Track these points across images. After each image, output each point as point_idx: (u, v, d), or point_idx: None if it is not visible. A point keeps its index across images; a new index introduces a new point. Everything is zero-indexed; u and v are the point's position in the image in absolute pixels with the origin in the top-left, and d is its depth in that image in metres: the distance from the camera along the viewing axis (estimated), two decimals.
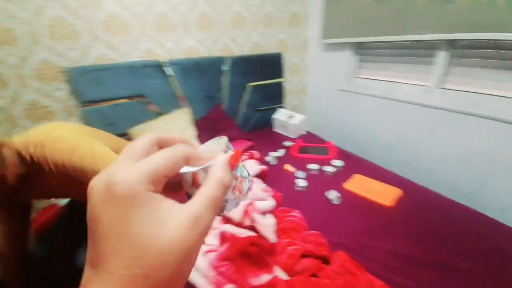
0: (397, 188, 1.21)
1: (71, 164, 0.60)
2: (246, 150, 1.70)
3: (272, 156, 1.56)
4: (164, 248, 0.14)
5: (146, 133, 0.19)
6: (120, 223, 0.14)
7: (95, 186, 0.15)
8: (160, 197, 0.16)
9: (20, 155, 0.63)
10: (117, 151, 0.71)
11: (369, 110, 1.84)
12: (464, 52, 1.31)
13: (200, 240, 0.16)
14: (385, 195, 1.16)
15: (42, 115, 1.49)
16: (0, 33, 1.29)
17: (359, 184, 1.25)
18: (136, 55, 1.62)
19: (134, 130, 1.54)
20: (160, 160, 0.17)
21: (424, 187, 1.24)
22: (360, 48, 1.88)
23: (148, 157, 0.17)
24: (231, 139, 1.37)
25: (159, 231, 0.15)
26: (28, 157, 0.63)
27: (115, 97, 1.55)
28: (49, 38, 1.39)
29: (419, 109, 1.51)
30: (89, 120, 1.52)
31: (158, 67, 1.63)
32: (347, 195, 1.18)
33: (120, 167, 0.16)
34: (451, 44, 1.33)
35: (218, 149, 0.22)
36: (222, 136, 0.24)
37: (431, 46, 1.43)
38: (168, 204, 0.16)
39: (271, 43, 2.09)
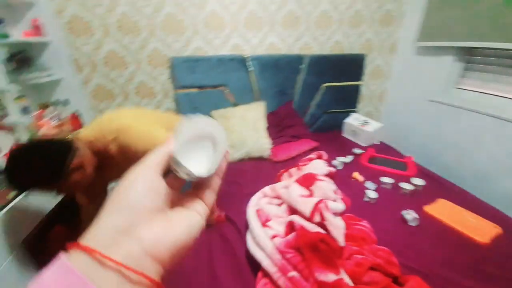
0: (495, 225, 1.00)
1: (144, 149, 0.70)
2: (311, 149, 1.68)
3: (339, 161, 1.50)
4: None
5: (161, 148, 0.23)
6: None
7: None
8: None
9: (91, 146, 0.77)
10: (169, 128, 0.82)
11: (468, 128, 1.55)
12: None
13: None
14: (478, 229, 0.98)
15: (146, 93, 1.82)
16: (129, 24, 1.62)
17: (444, 210, 1.08)
18: (225, 49, 1.79)
19: (215, 113, 1.73)
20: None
21: None
22: (468, 55, 1.59)
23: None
24: (296, 136, 1.38)
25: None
26: (102, 147, 0.77)
27: (203, 85, 1.76)
28: (161, 31, 1.67)
29: None
30: (179, 103, 1.78)
31: (241, 61, 1.76)
32: (427, 220, 1.04)
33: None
34: None
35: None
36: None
37: None
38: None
39: (354, 43, 1.98)
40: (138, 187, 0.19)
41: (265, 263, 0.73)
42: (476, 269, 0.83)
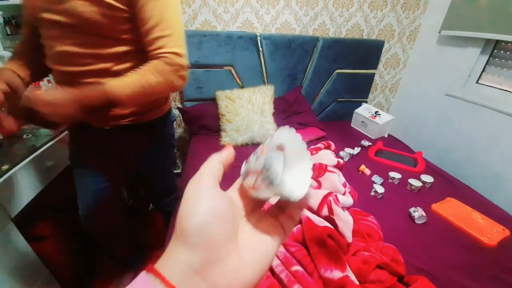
0: (503, 227, 0.97)
1: None
2: (317, 139, 1.63)
3: (347, 152, 1.45)
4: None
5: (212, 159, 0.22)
6: None
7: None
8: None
9: None
10: None
11: (483, 127, 1.49)
12: None
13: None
14: (486, 231, 0.95)
15: None
16: None
17: (452, 210, 1.05)
18: (235, 26, 1.67)
19: (221, 93, 1.64)
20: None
21: None
22: (494, 49, 1.48)
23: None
24: (303, 124, 1.31)
25: None
26: None
27: (209, 63, 1.66)
28: None
29: None
30: None
31: (252, 39, 1.65)
32: (435, 218, 1.01)
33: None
34: None
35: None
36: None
37: None
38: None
39: (374, 28, 1.85)
40: (203, 214, 0.17)
41: None
42: (482, 272, 0.81)
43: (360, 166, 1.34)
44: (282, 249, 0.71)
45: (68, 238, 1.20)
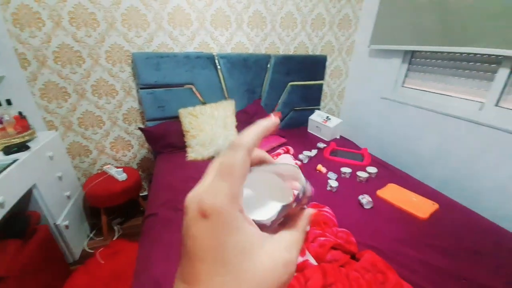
0: (433, 202, 1.18)
1: None
2: (279, 145, 1.76)
3: (305, 155, 1.60)
4: (260, 282, 0.15)
5: (239, 146, 0.17)
6: (215, 247, 0.15)
7: (190, 203, 0.16)
8: (246, 218, 0.16)
9: None
10: None
11: (412, 122, 1.78)
12: None
13: (288, 281, 0.16)
14: (420, 207, 1.14)
15: (105, 92, 1.70)
16: (84, 16, 1.49)
17: (393, 193, 1.24)
18: (192, 47, 1.77)
19: (183, 111, 1.69)
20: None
21: (465, 206, 1.19)
22: (411, 57, 1.82)
23: (235, 177, 0.16)
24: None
25: (256, 264, 0.15)
26: None
27: (169, 83, 1.71)
28: (122, 25, 1.58)
29: (470, 126, 1.43)
30: (143, 101, 1.70)
31: (209, 59, 1.76)
32: (380, 202, 1.18)
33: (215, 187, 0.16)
34: None
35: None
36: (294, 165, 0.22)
37: (493, 61, 1.34)
38: (255, 230, 0.16)
39: (316, 45, 2.12)
40: (264, 263, 0.15)
41: None
42: (420, 241, 0.98)
43: (317, 166, 1.49)
44: None
45: None
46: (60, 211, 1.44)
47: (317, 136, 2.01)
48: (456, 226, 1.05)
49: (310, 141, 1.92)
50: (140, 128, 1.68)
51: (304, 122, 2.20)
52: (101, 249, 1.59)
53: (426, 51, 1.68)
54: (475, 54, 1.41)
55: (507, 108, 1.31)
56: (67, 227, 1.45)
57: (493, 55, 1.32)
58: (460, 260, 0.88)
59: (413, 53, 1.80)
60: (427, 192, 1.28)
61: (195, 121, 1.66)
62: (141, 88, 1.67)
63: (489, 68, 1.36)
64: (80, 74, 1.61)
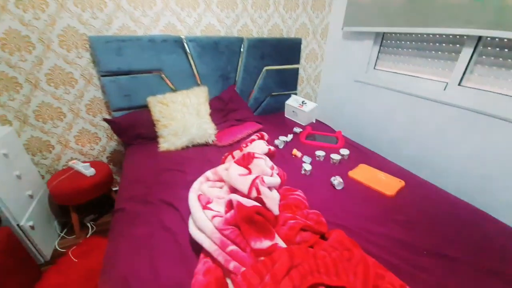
0: (400, 180, 1.23)
1: None
2: (256, 132, 1.74)
3: (281, 140, 1.59)
4: None
5: None
6: None
7: None
8: None
9: None
10: None
11: (384, 104, 1.83)
12: (491, 50, 1.27)
13: None
14: (387, 185, 1.19)
15: (63, 81, 1.56)
16: None
17: (363, 173, 1.28)
18: (157, 29, 1.64)
19: (153, 99, 1.60)
20: None
21: (428, 181, 1.26)
22: (382, 39, 1.83)
23: None
24: (240, 120, 1.44)
25: None
26: None
27: (134, 69, 1.59)
28: (74, 5, 1.42)
29: (435, 106, 1.49)
30: (107, 90, 1.58)
31: (178, 42, 1.65)
32: (350, 182, 1.22)
33: None
34: (479, 41, 1.29)
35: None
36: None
37: (457, 42, 1.38)
38: None
39: (291, 27, 2.06)
40: None
41: (206, 243, 0.75)
42: (386, 217, 1.02)
43: (293, 151, 1.49)
44: (218, 234, 0.76)
45: None
46: (23, 211, 1.34)
47: (294, 121, 2.01)
48: (420, 201, 1.11)
49: (286, 126, 1.91)
50: (105, 119, 1.57)
51: (281, 108, 2.19)
52: (74, 247, 1.52)
53: (395, 33, 1.70)
54: (441, 34, 1.44)
55: (469, 87, 1.37)
56: (32, 227, 1.36)
57: (457, 35, 1.35)
58: (422, 232, 0.94)
59: (383, 35, 1.81)
60: (395, 170, 1.33)
61: (165, 110, 1.58)
62: (102, 76, 1.54)
63: (454, 48, 1.41)
64: (31, 62, 1.45)
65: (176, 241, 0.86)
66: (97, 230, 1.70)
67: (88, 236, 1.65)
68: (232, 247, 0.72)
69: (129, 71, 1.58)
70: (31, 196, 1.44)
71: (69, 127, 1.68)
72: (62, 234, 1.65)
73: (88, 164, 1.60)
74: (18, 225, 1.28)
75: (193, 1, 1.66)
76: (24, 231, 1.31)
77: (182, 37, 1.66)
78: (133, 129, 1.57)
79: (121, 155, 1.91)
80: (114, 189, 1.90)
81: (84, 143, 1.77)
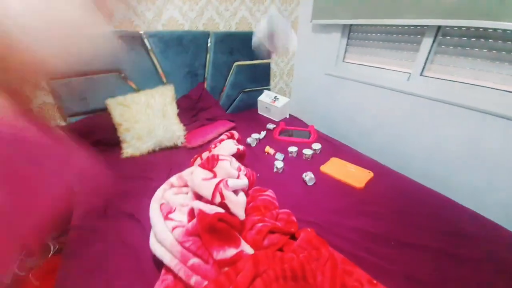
0: (369, 171, 1.24)
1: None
2: (228, 130, 1.68)
3: (254, 138, 1.55)
4: None
5: None
6: None
7: None
8: None
9: None
10: None
11: (353, 96, 1.85)
12: (450, 40, 1.31)
13: None
14: (357, 177, 1.20)
15: None
16: None
17: (334, 167, 1.28)
18: (111, 25, 1.50)
19: (112, 101, 1.47)
20: None
21: (395, 171, 1.29)
22: (349, 32, 1.84)
23: None
24: (211, 119, 1.36)
25: None
26: None
27: (88, 69, 1.45)
28: None
29: (400, 96, 1.53)
30: (59, 94, 1.43)
31: (136, 39, 1.53)
32: (322, 177, 1.21)
33: None
34: (438, 31, 1.32)
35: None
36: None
37: (419, 32, 1.42)
38: None
39: (259, 20, 2.00)
40: None
41: (166, 258, 0.69)
42: (356, 210, 1.02)
43: (265, 148, 1.46)
44: (178, 247, 0.70)
45: None
46: None
47: (267, 117, 1.97)
48: (388, 191, 1.13)
49: (260, 123, 1.87)
50: (59, 126, 1.42)
51: (254, 104, 2.14)
52: (34, 270, 1.38)
53: (361, 25, 1.71)
54: (403, 26, 1.47)
55: (430, 77, 1.42)
56: None
57: (419, 25, 1.38)
58: (389, 223, 0.95)
59: (350, 27, 1.82)
60: (365, 162, 1.35)
61: (127, 112, 1.47)
62: (51, 79, 1.38)
63: (416, 39, 1.44)
64: None
65: (136, 258, 0.79)
66: (60, 248, 1.55)
67: (50, 255, 1.51)
68: (194, 260, 0.67)
69: (83, 72, 1.44)
70: None
71: None
72: (20, 257, 1.50)
73: None
74: None
75: None
76: None
77: (141, 32, 1.54)
78: (91, 135, 1.44)
79: None
80: None
81: None
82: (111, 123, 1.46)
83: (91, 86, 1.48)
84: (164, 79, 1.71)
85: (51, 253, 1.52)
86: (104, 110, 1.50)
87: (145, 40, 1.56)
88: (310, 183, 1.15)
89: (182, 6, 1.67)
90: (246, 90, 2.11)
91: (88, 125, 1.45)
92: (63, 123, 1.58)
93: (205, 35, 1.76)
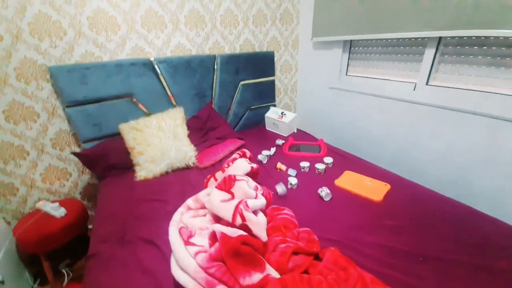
0: (386, 183, 1.23)
1: None
2: (238, 148, 1.69)
3: (264, 155, 1.55)
4: None
5: None
6: None
7: None
8: None
9: None
10: None
11: (359, 107, 1.87)
12: (452, 49, 1.34)
13: None
14: (374, 190, 1.18)
15: (24, 116, 1.43)
16: None
17: (349, 181, 1.27)
18: (124, 53, 1.58)
19: (125, 126, 1.51)
20: None
21: (412, 181, 1.27)
22: (351, 46, 1.89)
23: None
24: (221, 138, 1.39)
25: None
26: None
27: (102, 97, 1.50)
28: (31, 36, 1.33)
29: (407, 106, 1.54)
30: (74, 121, 1.47)
31: (147, 65, 1.59)
32: (338, 192, 1.19)
33: None
34: (440, 42, 1.36)
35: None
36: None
37: (420, 44, 1.45)
38: None
39: (262, 41, 2.08)
40: None
41: (190, 286, 0.67)
42: (377, 224, 1.00)
43: (277, 164, 1.46)
44: (202, 274, 0.69)
45: None
46: None
47: (275, 133, 1.99)
48: (407, 203, 1.10)
49: (268, 138, 1.89)
50: (73, 153, 1.45)
51: (261, 120, 2.17)
52: None
53: (361, 40, 1.76)
54: (404, 38, 1.51)
55: (436, 86, 1.43)
56: (2, 282, 1.19)
57: (419, 38, 1.42)
58: (413, 237, 0.92)
59: (351, 42, 1.87)
60: (379, 173, 1.33)
61: (140, 136, 1.50)
62: (67, 107, 1.44)
63: (418, 50, 1.47)
64: None
65: (157, 285, 0.77)
66: (74, 276, 1.53)
67: (64, 284, 1.48)
68: (220, 287, 0.65)
69: (97, 99, 1.49)
70: None
71: (34, 165, 1.54)
72: (35, 286, 1.47)
73: (57, 204, 1.45)
74: None
75: (160, 23, 1.63)
76: None
77: (151, 59, 1.61)
78: (106, 159, 1.47)
79: (96, 189, 1.77)
80: (90, 226, 1.75)
81: (53, 181, 1.62)
82: (124, 147, 1.49)
83: (104, 112, 1.53)
84: (173, 102, 1.76)
85: (65, 282, 1.49)
86: (117, 135, 1.53)
87: (155, 66, 1.62)
88: (326, 199, 1.13)
89: (189, 32, 1.75)
90: (252, 107, 2.15)
91: (102, 150, 1.48)
92: (77, 149, 1.61)
93: (212, 58, 1.83)
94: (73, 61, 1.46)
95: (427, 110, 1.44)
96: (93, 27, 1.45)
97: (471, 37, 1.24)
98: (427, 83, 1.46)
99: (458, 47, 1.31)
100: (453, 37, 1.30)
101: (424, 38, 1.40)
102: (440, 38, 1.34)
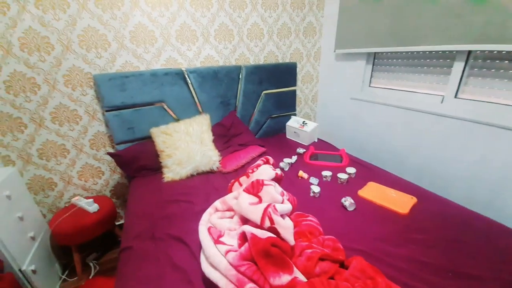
0: (412, 196, 1.21)
1: None
2: (259, 155, 1.73)
3: (286, 162, 1.58)
4: None
5: None
6: None
7: None
8: None
9: None
10: None
11: (382, 119, 1.86)
12: (483, 63, 1.32)
13: None
14: (400, 203, 1.16)
15: (67, 118, 1.58)
16: (36, 40, 1.39)
17: (373, 192, 1.26)
18: (159, 64, 1.71)
19: (155, 130, 1.61)
20: None
21: (438, 195, 1.23)
22: (374, 58, 1.91)
23: None
24: (243, 145, 1.45)
25: None
26: None
27: (137, 103, 1.63)
28: (80, 47, 1.49)
29: (434, 118, 1.51)
30: (111, 124, 1.60)
31: (179, 75, 1.71)
32: (361, 202, 1.19)
33: None
34: (469, 55, 1.34)
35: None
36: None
37: (448, 57, 1.44)
38: None
39: (285, 53, 2.16)
40: None
41: (221, 283, 0.71)
42: (403, 237, 0.98)
43: (298, 172, 1.48)
44: (233, 271, 0.72)
45: None
46: (25, 255, 1.29)
47: (296, 142, 2.02)
48: (434, 217, 1.08)
49: (289, 147, 1.92)
50: (109, 153, 1.57)
51: (282, 129, 2.21)
52: None
53: (386, 52, 1.78)
54: (431, 51, 1.51)
55: (465, 99, 1.41)
56: (34, 271, 1.30)
57: (446, 51, 1.42)
58: (441, 251, 0.90)
59: (375, 54, 1.89)
60: (404, 186, 1.31)
61: (169, 140, 1.59)
62: (107, 111, 1.57)
63: (446, 63, 1.46)
64: (36, 102, 1.48)
65: (188, 281, 0.81)
66: (100, 270, 1.61)
67: (90, 277, 1.57)
68: (250, 285, 0.68)
69: (133, 104, 1.62)
70: (32, 238, 1.38)
71: (73, 163, 1.68)
72: (63, 277, 1.57)
73: (91, 200, 1.57)
74: (20, 269, 1.22)
75: (192, 36, 1.76)
76: (27, 276, 1.25)
77: (183, 69, 1.72)
78: (137, 161, 1.57)
79: (125, 188, 1.88)
80: (117, 223, 1.85)
81: (87, 178, 1.75)
82: (154, 149, 1.59)
83: (138, 117, 1.65)
84: (200, 109, 1.86)
85: (92, 274, 1.57)
86: (148, 138, 1.64)
87: (186, 76, 1.74)
88: (350, 209, 1.14)
89: (218, 45, 1.87)
90: (273, 116, 2.21)
91: (134, 152, 1.59)
92: (111, 150, 1.74)
93: (237, 68, 1.92)
94: (114, 70, 1.60)
95: (456, 123, 1.41)
96: (134, 40, 1.60)
97: (501, 51, 1.22)
98: (455, 96, 1.44)
99: (488, 60, 1.29)
100: (482, 51, 1.29)
101: (452, 51, 1.40)
102: (469, 51, 1.33)
